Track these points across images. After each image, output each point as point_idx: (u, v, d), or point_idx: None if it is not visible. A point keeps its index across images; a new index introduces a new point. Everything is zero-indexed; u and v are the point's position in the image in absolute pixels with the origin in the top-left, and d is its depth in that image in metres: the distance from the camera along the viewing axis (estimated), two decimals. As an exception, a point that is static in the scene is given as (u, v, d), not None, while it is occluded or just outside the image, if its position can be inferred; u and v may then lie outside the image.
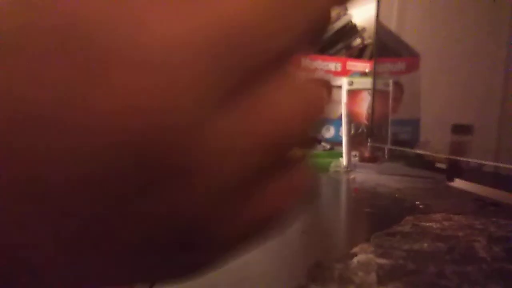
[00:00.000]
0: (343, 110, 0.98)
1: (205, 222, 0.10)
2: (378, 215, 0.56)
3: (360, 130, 0.99)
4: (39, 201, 0.09)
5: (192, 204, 0.10)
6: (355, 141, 0.98)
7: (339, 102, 1.03)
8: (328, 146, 1.19)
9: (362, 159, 0.99)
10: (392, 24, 0.89)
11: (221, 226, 0.11)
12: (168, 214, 0.10)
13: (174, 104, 0.09)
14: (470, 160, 0.55)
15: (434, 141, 0.68)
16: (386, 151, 0.86)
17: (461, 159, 0.57)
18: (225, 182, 0.10)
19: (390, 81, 0.88)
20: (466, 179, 0.64)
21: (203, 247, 0.11)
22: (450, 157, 0.61)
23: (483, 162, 0.51)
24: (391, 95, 0.85)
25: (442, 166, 0.65)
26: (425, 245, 0.33)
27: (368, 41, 1.24)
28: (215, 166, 0.10)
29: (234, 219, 0.11)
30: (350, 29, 1.25)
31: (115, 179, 0.09)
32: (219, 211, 0.11)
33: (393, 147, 0.82)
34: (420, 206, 0.55)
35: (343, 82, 0.98)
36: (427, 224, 0.39)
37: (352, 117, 0.97)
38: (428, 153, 0.68)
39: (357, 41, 1.28)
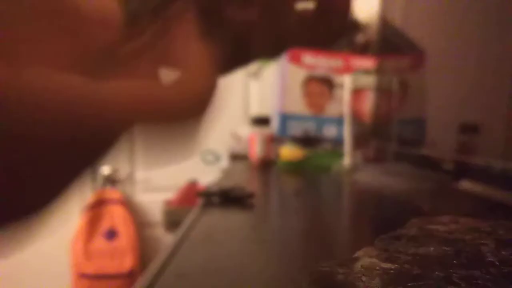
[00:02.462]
0: (345, 109, 0.97)
1: None
2: (382, 218, 0.55)
3: (363, 130, 0.98)
4: None
5: None
6: (358, 141, 0.97)
7: (342, 100, 1.02)
8: (330, 146, 1.18)
9: (366, 160, 0.98)
10: (396, 20, 0.88)
11: None
12: None
13: None
14: (477, 160, 0.54)
15: (441, 141, 0.67)
16: (390, 151, 0.85)
17: (468, 159, 0.56)
18: None
19: (395, 79, 0.87)
20: (473, 180, 0.63)
21: None
22: (457, 157, 0.60)
23: (491, 162, 0.50)
24: (395, 93, 0.85)
25: (449, 166, 0.63)
26: (431, 249, 0.32)
27: (371, 37, 1.23)
28: None
29: None
30: (353, 25, 1.24)
31: None
32: None
33: (398, 147, 0.81)
34: (426, 208, 0.54)
35: (346, 80, 0.97)
36: (433, 227, 0.38)
37: (355, 116, 0.96)
38: (434, 153, 0.67)
39: (361, 37, 1.27)
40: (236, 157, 1.30)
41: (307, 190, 0.79)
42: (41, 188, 0.15)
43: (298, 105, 1.16)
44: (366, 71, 1.06)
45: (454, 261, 0.29)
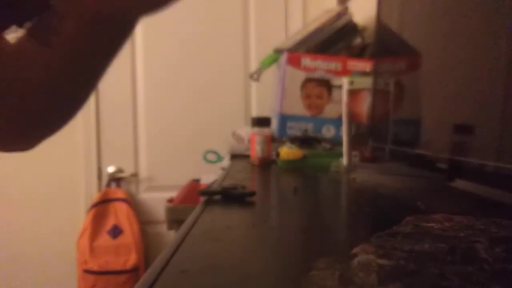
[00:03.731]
0: (343, 110, 0.98)
1: None
2: (378, 216, 0.56)
3: (360, 130, 0.98)
4: None
5: None
6: (355, 141, 0.98)
7: (340, 102, 1.02)
8: (328, 146, 1.19)
9: (363, 159, 0.99)
10: (393, 23, 0.89)
11: None
12: None
13: None
14: (471, 160, 0.55)
15: (435, 141, 0.68)
16: (386, 151, 0.86)
17: (462, 159, 0.57)
18: None
19: (391, 81, 0.88)
20: (467, 179, 0.64)
21: None
22: (451, 157, 0.61)
23: (485, 162, 0.51)
24: (391, 95, 0.85)
25: (443, 166, 0.65)
26: (426, 245, 0.33)
27: (368, 40, 1.24)
28: None
29: None
30: (351, 28, 1.25)
31: None
32: None
33: (394, 147, 0.82)
34: (421, 207, 0.54)
35: (344, 81, 0.98)
36: (428, 224, 0.39)
37: (352, 117, 0.97)
38: (429, 153, 0.68)
39: (358, 40, 1.28)
40: (237, 156, 1.31)
41: (306, 189, 0.80)
42: None
43: (297, 106, 1.17)
44: (363, 73, 1.07)
45: (448, 258, 0.30)
